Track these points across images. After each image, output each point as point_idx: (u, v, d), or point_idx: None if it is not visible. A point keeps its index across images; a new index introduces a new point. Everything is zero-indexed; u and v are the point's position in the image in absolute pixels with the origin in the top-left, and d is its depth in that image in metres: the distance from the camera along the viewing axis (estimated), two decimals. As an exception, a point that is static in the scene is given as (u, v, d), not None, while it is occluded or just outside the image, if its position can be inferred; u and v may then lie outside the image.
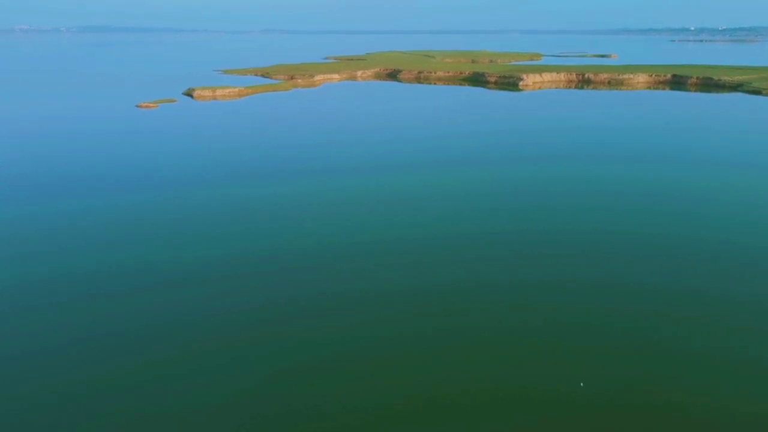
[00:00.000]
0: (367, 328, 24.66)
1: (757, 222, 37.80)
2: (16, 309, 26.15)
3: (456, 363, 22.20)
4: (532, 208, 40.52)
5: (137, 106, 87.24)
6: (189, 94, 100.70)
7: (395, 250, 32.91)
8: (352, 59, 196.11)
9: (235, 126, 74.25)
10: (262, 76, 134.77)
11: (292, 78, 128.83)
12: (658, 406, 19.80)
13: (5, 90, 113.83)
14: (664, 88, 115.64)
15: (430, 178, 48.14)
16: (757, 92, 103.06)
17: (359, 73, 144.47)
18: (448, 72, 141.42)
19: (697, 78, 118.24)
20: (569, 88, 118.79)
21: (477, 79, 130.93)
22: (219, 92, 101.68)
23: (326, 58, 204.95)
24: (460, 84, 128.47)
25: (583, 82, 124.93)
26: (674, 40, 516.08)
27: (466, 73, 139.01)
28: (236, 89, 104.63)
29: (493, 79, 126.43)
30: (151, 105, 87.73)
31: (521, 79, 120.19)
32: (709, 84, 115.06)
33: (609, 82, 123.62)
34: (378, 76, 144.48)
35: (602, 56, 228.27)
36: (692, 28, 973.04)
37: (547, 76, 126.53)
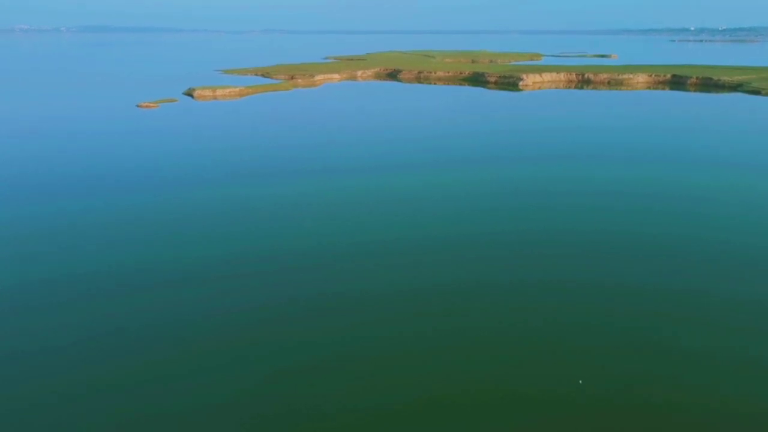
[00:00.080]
0: (367, 328, 24.66)
1: (757, 222, 37.80)
2: (16, 309, 26.15)
3: (456, 363, 22.20)
4: (532, 208, 40.52)
5: (138, 105, 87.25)
6: (189, 93, 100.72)
7: (395, 250, 32.91)
8: (352, 59, 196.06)
9: (236, 126, 74.25)
10: (263, 76, 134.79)
11: (292, 78, 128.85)
12: (658, 406, 19.80)
13: (5, 90, 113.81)
14: (663, 88, 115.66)
15: (430, 178, 48.14)
16: (756, 92, 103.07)
17: (359, 73, 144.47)
18: (448, 72, 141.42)
19: (697, 78, 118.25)
20: (569, 88, 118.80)
21: (477, 79, 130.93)
22: (219, 92, 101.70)
23: (326, 58, 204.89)
24: (460, 84, 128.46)
25: (583, 82, 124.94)
26: (674, 40, 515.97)
27: (466, 73, 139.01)
28: (236, 89, 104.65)
29: (493, 79, 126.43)
30: (151, 105, 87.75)
31: (521, 79, 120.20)
32: (708, 84, 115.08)
33: (609, 82, 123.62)
34: (378, 76, 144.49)
35: (602, 56, 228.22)
36: (692, 29, 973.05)
37: (547, 76, 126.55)
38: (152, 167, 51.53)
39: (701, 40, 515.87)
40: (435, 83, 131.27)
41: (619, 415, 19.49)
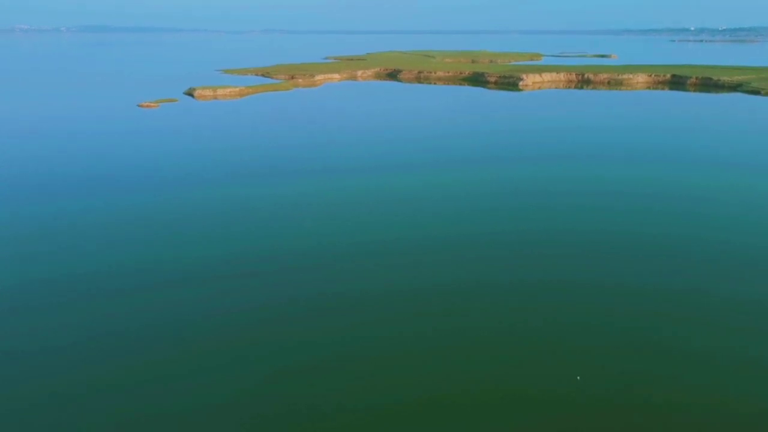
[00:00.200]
0: (367, 328, 24.66)
1: (757, 222, 37.80)
2: (16, 309, 26.15)
3: (456, 363, 22.21)
4: (532, 208, 40.52)
5: (138, 105, 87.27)
6: (190, 93, 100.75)
7: (395, 250, 32.92)
8: (352, 59, 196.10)
9: (236, 126, 74.26)
10: (263, 75, 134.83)
11: (292, 78, 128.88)
12: (658, 406, 19.81)
13: (6, 90, 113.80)
14: (663, 88, 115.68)
15: (430, 178, 48.14)
16: (756, 92, 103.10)
17: (359, 73, 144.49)
18: (448, 72, 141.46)
19: (697, 78, 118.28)
20: (569, 88, 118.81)
21: (477, 79, 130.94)
22: (220, 92, 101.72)
23: (326, 58, 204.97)
24: (460, 84, 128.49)
25: (583, 82, 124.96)
26: (674, 41, 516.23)
27: (466, 73, 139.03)
28: (237, 89, 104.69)
29: (493, 79, 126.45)
30: (152, 104, 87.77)
31: (521, 79, 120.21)
32: (708, 84, 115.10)
33: (608, 82, 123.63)
34: (378, 76, 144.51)
35: (602, 56, 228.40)
36: (692, 29, 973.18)
37: (546, 76, 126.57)
38: (152, 167, 51.53)
39: (701, 40, 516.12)
40: (435, 83, 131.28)
41: (619, 414, 19.50)
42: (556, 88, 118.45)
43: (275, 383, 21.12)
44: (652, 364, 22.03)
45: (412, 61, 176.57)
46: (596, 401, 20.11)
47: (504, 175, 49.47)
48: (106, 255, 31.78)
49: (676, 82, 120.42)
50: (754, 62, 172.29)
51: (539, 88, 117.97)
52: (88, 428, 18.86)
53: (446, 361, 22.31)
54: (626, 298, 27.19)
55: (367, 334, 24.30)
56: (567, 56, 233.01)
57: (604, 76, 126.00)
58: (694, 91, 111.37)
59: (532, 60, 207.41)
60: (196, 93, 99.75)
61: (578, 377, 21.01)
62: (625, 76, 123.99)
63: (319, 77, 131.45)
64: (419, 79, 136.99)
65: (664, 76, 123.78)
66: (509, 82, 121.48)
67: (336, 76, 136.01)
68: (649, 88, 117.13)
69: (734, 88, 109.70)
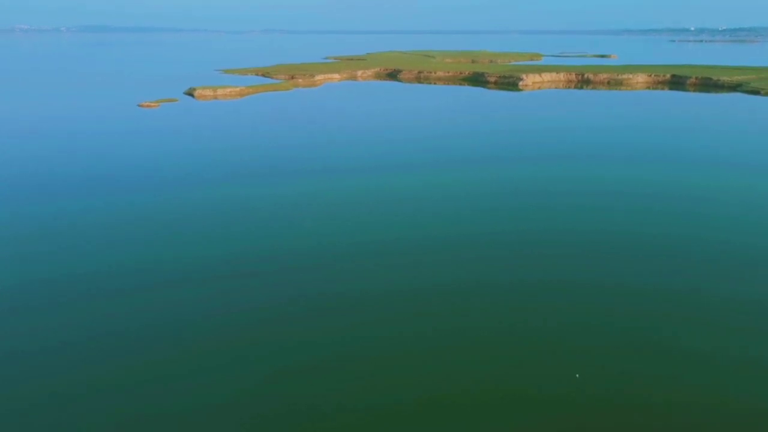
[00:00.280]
0: (367, 328, 24.67)
1: (757, 222, 37.81)
2: (16, 309, 26.16)
3: (456, 363, 22.21)
4: (532, 208, 40.53)
5: (139, 105, 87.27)
6: (190, 93, 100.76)
7: (395, 250, 32.92)
8: (352, 59, 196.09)
9: (236, 126, 74.26)
10: (263, 75, 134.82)
11: (292, 78, 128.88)
12: (658, 406, 19.81)
13: (6, 90, 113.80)
14: (663, 89, 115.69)
15: (430, 178, 48.14)
16: (755, 92, 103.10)
17: (359, 73, 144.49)
18: (448, 72, 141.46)
19: (696, 78, 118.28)
20: (569, 88, 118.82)
21: (477, 79, 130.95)
22: (220, 92, 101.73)
23: (326, 58, 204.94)
24: (460, 84, 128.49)
25: (583, 82, 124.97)
26: (674, 41, 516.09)
27: (466, 73, 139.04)
28: (237, 89, 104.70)
29: (493, 79, 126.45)
30: (152, 104, 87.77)
31: (521, 79, 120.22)
32: (708, 84, 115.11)
33: (608, 82, 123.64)
34: (378, 76, 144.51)
35: (602, 56, 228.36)
36: (692, 29, 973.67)
37: (546, 76, 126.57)
38: (152, 167, 51.52)
39: (701, 41, 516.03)
40: (435, 83, 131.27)
41: (619, 414, 19.50)
42: (556, 88, 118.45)
43: (275, 383, 21.12)
44: (652, 364, 22.03)
45: (412, 61, 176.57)
46: (596, 401, 20.11)
47: (504, 175, 49.47)
48: (106, 255, 31.78)
49: (676, 82, 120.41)
50: (754, 62, 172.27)
51: (539, 88, 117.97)
52: (88, 428, 18.86)
53: (446, 361, 22.31)
54: (626, 298, 27.19)
55: (367, 334, 24.30)
56: (567, 56, 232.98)
57: (604, 76, 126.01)
58: (694, 91, 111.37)
59: (532, 60, 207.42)
60: (197, 93, 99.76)
61: (577, 375, 21.03)
62: (625, 76, 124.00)
63: (319, 77, 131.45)
64: (419, 79, 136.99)
65: (664, 76, 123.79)
66: (509, 82, 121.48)
67: (336, 76, 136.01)
68: (648, 88, 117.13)
69: (734, 88, 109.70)
